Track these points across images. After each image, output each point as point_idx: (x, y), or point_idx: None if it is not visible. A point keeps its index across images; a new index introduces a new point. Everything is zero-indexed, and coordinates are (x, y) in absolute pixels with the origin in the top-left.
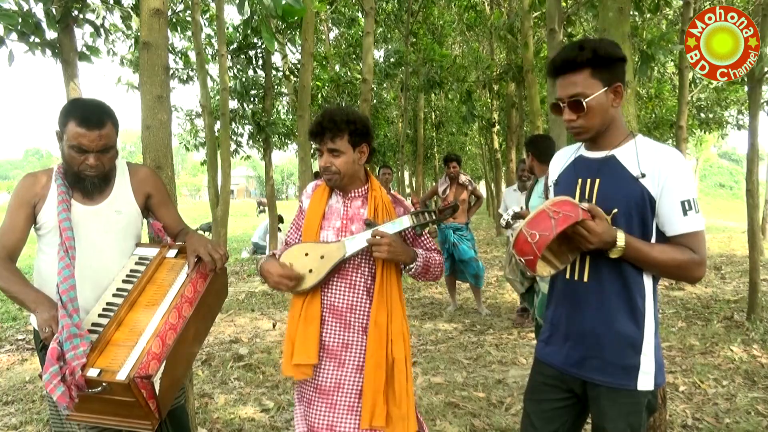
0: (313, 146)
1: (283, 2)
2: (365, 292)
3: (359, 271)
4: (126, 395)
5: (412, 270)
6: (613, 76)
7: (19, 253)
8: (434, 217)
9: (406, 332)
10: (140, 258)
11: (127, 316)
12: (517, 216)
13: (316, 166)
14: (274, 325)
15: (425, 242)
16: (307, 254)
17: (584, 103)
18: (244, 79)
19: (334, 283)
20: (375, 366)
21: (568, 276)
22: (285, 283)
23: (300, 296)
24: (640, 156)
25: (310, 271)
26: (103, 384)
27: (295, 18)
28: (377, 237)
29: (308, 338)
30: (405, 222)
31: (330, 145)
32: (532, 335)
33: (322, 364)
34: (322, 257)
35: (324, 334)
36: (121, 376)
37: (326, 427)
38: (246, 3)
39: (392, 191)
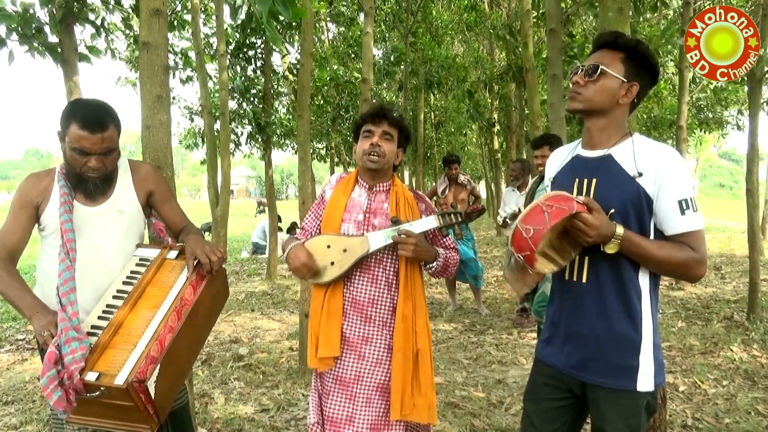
0: (364, 128)
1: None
2: (387, 287)
3: (381, 266)
4: (124, 399)
5: (433, 269)
6: (637, 76)
7: (20, 253)
8: (460, 219)
9: (429, 324)
10: (141, 259)
11: (126, 318)
12: (515, 217)
13: (315, 166)
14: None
15: (446, 241)
16: (329, 246)
17: (600, 68)
18: (243, 78)
19: (357, 277)
20: (403, 359)
21: (567, 277)
22: (303, 273)
23: (321, 289)
24: (637, 155)
25: (332, 263)
26: (101, 388)
27: (294, 19)
28: (403, 236)
29: (331, 331)
30: (432, 222)
31: (386, 128)
32: (532, 335)
33: (343, 356)
34: (344, 251)
35: (345, 327)
36: (119, 380)
37: (345, 419)
38: (242, 7)
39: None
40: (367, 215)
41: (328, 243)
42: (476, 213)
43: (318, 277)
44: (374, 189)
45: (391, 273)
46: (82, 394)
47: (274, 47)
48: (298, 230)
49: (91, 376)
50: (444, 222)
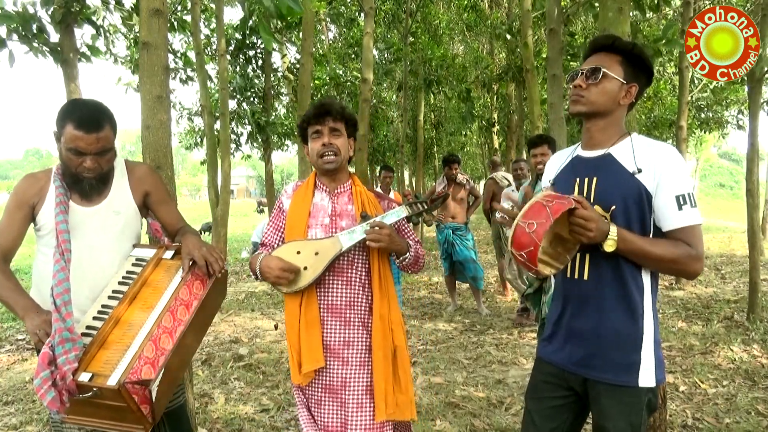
0: (311, 130)
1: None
2: (361, 287)
3: (354, 267)
4: (117, 400)
5: (406, 260)
6: (635, 77)
7: (13, 253)
8: (427, 207)
9: (402, 320)
10: (137, 259)
11: (121, 318)
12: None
13: None
14: (276, 327)
15: (411, 235)
16: (299, 252)
17: (602, 71)
18: (243, 78)
19: (330, 282)
20: (383, 357)
21: (568, 275)
22: (286, 277)
23: (295, 299)
24: (636, 152)
25: (305, 268)
26: (94, 389)
27: (295, 18)
28: (376, 228)
29: (312, 343)
30: (401, 212)
31: (332, 125)
32: (532, 335)
33: (328, 364)
34: (316, 254)
35: (325, 335)
36: (112, 381)
37: (339, 426)
38: (245, 3)
39: (393, 191)
40: (334, 218)
41: (298, 249)
42: (441, 199)
43: (293, 284)
44: (336, 191)
45: (363, 273)
46: (75, 394)
47: (274, 47)
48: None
49: (84, 377)
50: (412, 210)
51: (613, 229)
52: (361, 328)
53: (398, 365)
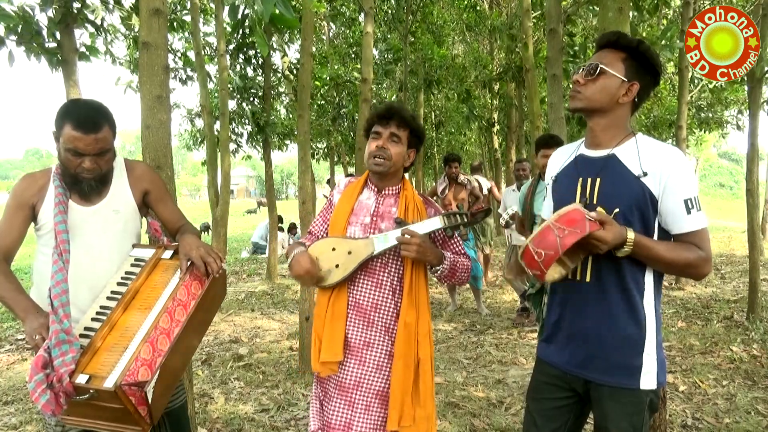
0: (373, 129)
1: (277, 11)
2: (391, 292)
3: (386, 270)
4: (114, 402)
5: (438, 272)
6: (637, 75)
7: (14, 254)
8: (465, 220)
9: (431, 333)
10: (136, 260)
11: (119, 319)
12: (515, 218)
13: (315, 166)
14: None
15: (454, 246)
16: (334, 249)
17: (599, 67)
18: (243, 78)
19: (361, 281)
20: (404, 366)
21: (569, 276)
22: (306, 280)
23: (326, 292)
24: (642, 155)
25: (337, 266)
26: (91, 391)
27: (292, 26)
28: (407, 236)
29: (334, 335)
30: (436, 223)
31: (394, 130)
32: (532, 335)
33: (345, 361)
34: (349, 253)
35: (348, 332)
36: (109, 383)
37: (343, 425)
38: (240, 7)
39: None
40: (375, 218)
41: (333, 246)
42: (482, 213)
43: (322, 280)
44: (383, 192)
45: (396, 278)
46: (72, 396)
47: (275, 47)
48: (298, 232)
49: (81, 379)
50: (448, 222)
51: (631, 236)
52: (384, 332)
53: (420, 378)
